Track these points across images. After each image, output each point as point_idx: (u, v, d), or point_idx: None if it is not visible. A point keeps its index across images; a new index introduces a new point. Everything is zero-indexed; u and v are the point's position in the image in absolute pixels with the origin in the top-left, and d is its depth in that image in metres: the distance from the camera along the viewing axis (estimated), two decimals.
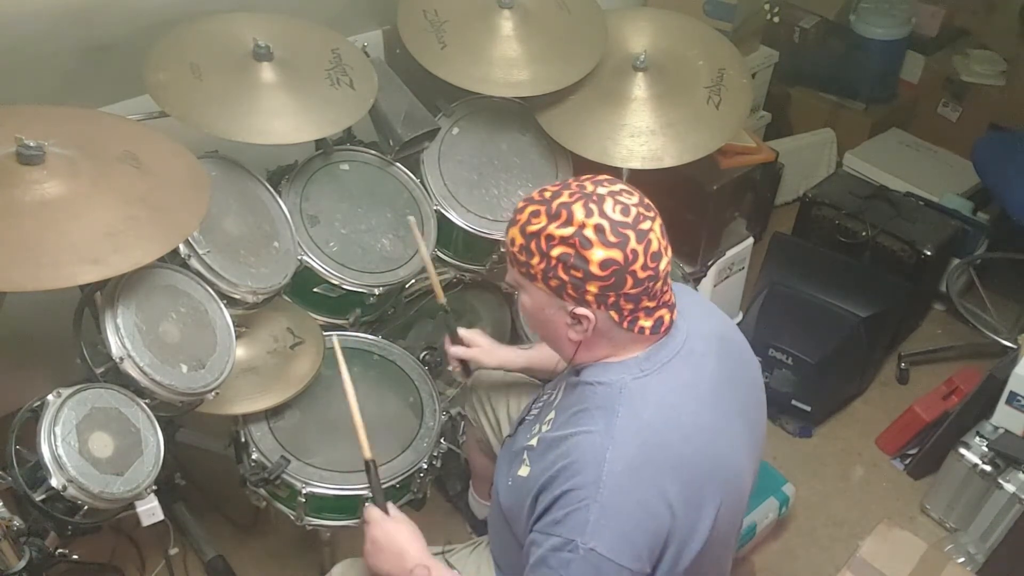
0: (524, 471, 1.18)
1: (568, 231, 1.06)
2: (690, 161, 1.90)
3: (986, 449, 2.05)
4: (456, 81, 1.87)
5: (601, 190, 1.08)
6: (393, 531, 1.26)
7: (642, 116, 1.92)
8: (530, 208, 1.10)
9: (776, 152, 2.75)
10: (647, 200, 1.11)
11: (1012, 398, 2.00)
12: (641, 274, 1.07)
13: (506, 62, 1.89)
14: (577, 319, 1.12)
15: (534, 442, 1.20)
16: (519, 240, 1.11)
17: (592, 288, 1.08)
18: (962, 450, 2.09)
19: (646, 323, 1.12)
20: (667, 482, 1.08)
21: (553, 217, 1.07)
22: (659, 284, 1.10)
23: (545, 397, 1.33)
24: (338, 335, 1.76)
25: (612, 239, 1.05)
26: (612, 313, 1.11)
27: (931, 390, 2.40)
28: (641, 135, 1.90)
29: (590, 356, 1.17)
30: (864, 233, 2.55)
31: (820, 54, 3.18)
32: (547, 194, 1.11)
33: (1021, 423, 2.03)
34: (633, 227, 1.06)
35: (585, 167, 2.00)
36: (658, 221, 1.10)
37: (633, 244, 1.06)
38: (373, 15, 2.12)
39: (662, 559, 1.10)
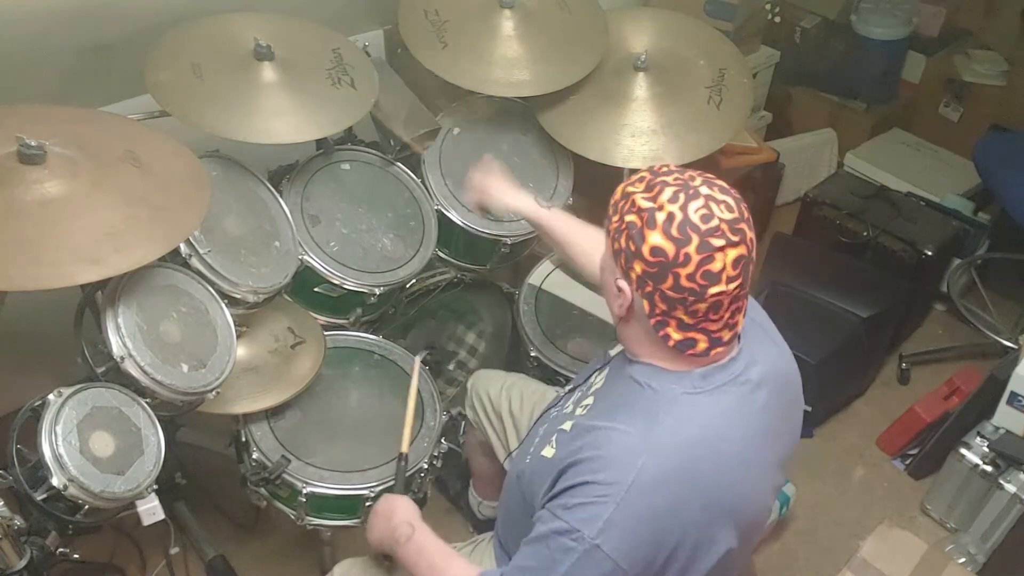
0: (548, 452, 1.18)
1: (647, 205, 1.05)
2: (691, 161, 1.90)
3: (987, 449, 2.05)
4: (457, 81, 1.87)
5: (704, 189, 1.06)
6: (391, 498, 1.38)
7: (643, 116, 1.92)
8: (640, 174, 1.11)
9: (777, 152, 2.75)
10: (744, 229, 1.05)
11: (1013, 398, 2.00)
12: (684, 282, 1.04)
13: (507, 62, 1.89)
14: (620, 290, 1.12)
15: (567, 426, 1.19)
16: (616, 195, 1.11)
17: (637, 267, 1.07)
18: (963, 450, 2.09)
19: (674, 335, 1.09)
20: (689, 503, 1.08)
21: (647, 188, 1.07)
22: (703, 306, 1.06)
23: (583, 378, 1.33)
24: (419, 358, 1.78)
25: (675, 232, 1.03)
26: (645, 302, 1.09)
27: (932, 390, 2.40)
28: (642, 135, 1.90)
29: (630, 343, 1.17)
30: (865, 233, 2.55)
31: (821, 54, 3.18)
32: (663, 169, 1.10)
33: (1022, 423, 2.03)
34: (702, 235, 1.03)
35: (586, 167, 2.01)
36: (741, 250, 1.04)
37: (690, 248, 1.03)
38: (374, 15, 2.13)
39: (666, 573, 1.10)
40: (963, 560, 2.02)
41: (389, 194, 1.92)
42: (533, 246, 2.12)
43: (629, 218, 1.07)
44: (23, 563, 1.30)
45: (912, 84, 3.23)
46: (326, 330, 1.82)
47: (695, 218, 1.03)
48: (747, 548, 1.23)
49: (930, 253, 2.47)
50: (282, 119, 1.67)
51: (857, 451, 2.41)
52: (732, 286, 1.05)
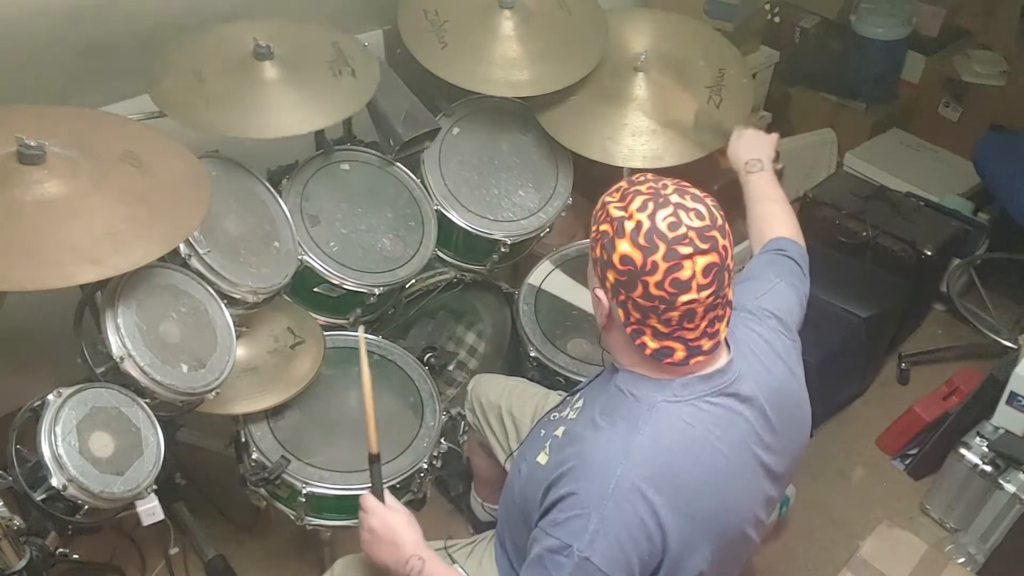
0: (543, 458, 1.19)
1: (618, 214, 1.07)
2: (690, 161, 1.90)
3: (986, 449, 2.05)
4: (457, 81, 1.87)
5: (674, 197, 1.06)
6: (391, 521, 1.26)
7: (643, 116, 1.92)
8: (619, 183, 1.12)
9: (776, 152, 2.74)
10: (716, 237, 1.05)
11: (1012, 398, 2.00)
12: (653, 290, 1.04)
13: (507, 62, 1.89)
14: (598, 299, 1.13)
15: (560, 432, 1.20)
16: (597, 205, 1.13)
17: (610, 276, 1.08)
18: (962, 450, 2.09)
19: (651, 343, 1.10)
20: (668, 511, 1.07)
21: (621, 197, 1.09)
22: (675, 314, 1.06)
23: (587, 384, 1.33)
24: (364, 336, 1.70)
25: (642, 241, 1.04)
26: (620, 311, 1.10)
27: (931, 390, 2.40)
28: (642, 135, 1.91)
29: (613, 351, 1.17)
30: (865, 233, 2.55)
31: (820, 54, 3.18)
32: (640, 179, 1.11)
33: (1021, 423, 2.03)
34: (669, 243, 1.03)
35: (586, 167, 2.01)
36: (712, 258, 1.04)
37: (657, 257, 1.03)
38: (374, 15, 2.13)
39: None
40: (963, 560, 2.02)
41: (389, 194, 1.92)
42: (533, 246, 2.12)
43: (603, 227, 1.09)
44: (23, 563, 1.30)
45: (911, 84, 3.23)
46: (326, 330, 1.82)
47: (662, 226, 1.04)
48: (733, 566, 1.23)
49: (930, 253, 2.47)
50: (287, 112, 1.66)
51: (857, 451, 2.41)
52: (704, 294, 1.05)
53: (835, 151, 3.16)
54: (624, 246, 1.05)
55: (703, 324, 1.08)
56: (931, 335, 2.76)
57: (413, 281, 1.93)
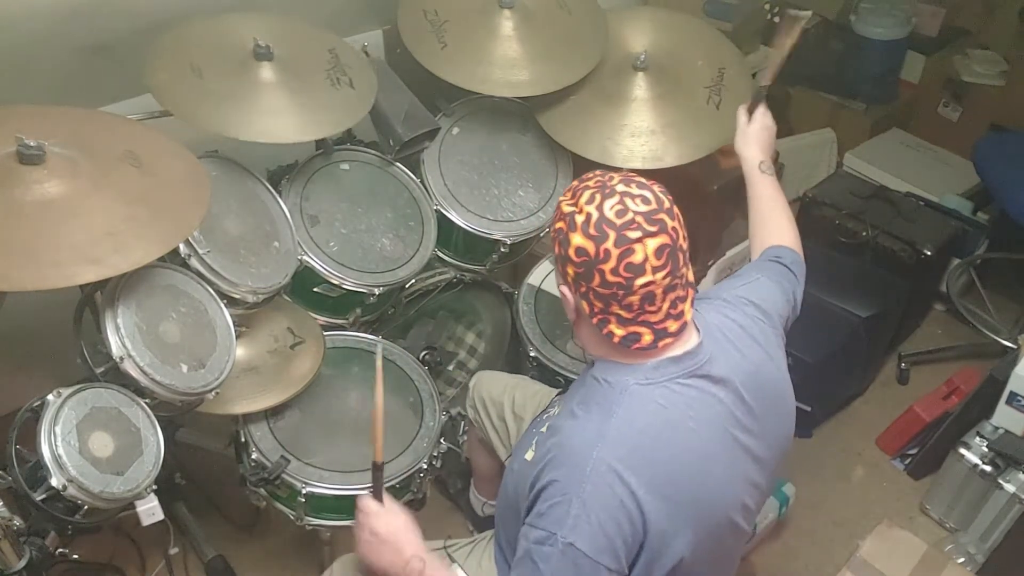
0: (530, 454, 1.20)
1: (568, 209, 1.11)
2: (690, 161, 1.90)
3: (986, 449, 2.05)
4: (456, 81, 1.87)
5: (620, 187, 1.10)
6: (394, 524, 1.24)
7: (642, 116, 1.92)
8: (572, 183, 1.17)
9: (776, 152, 2.74)
10: (664, 219, 1.08)
11: (1012, 398, 2.00)
12: (610, 277, 1.08)
13: (506, 62, 1.89)
14: (564, 295, 1.16)
15: (545, 428, 1.22)
16: (555, 207, 1.17)
17: (570, 270, 1.12)
18: (962, 450, 2.09)
19: (617, 331, 1.12)
20: (645, 492, 1.08)
21: (572, 195, 1.13)
22: (635, 299, 1.09)
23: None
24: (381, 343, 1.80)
25: (592, 231, 1.08)
26: (584, 303, 1.13)
27: (931, 390, 2.40)
28: (641, 135, 1.90)
29: (585, 344, 1.20)
30: (864, 233, 2.55)
31: (820, 54, 3.18)
32: (589, 176, 1.15)
33: (1021, 423, 2.03)
34: (617, 229, 1.07)
35: (586, 167, 2.01)
36: (663, 239, 1.08)
37: (608, 244, 1.07)
38: (373, 15, 2.13)
39: (635, 565, 1.11)
40: (962, 560, 2.02)
41: (388, 194, 1.92)
42: (532, 246, 2.12)
43: (558, 224, 1.13)
44: (22, 563, 1.31)
45: (911, 84, 3.23)
46: (325, 330, 1.82)
47: (610, 215, 1.08)
48: (722, 554, 1.23)
49: (929, 253, 2.47)
50: (283, 119, 1.67)
51: (857, 451, 2.41)
52: (660, 275, 1.09)
53: (835, 151, 3.16)
54: (577, 239, 1.09)
55: (665, 306, 1.11)
56: (931, 335, 2.77)
57: (413, 281, 1.93)
